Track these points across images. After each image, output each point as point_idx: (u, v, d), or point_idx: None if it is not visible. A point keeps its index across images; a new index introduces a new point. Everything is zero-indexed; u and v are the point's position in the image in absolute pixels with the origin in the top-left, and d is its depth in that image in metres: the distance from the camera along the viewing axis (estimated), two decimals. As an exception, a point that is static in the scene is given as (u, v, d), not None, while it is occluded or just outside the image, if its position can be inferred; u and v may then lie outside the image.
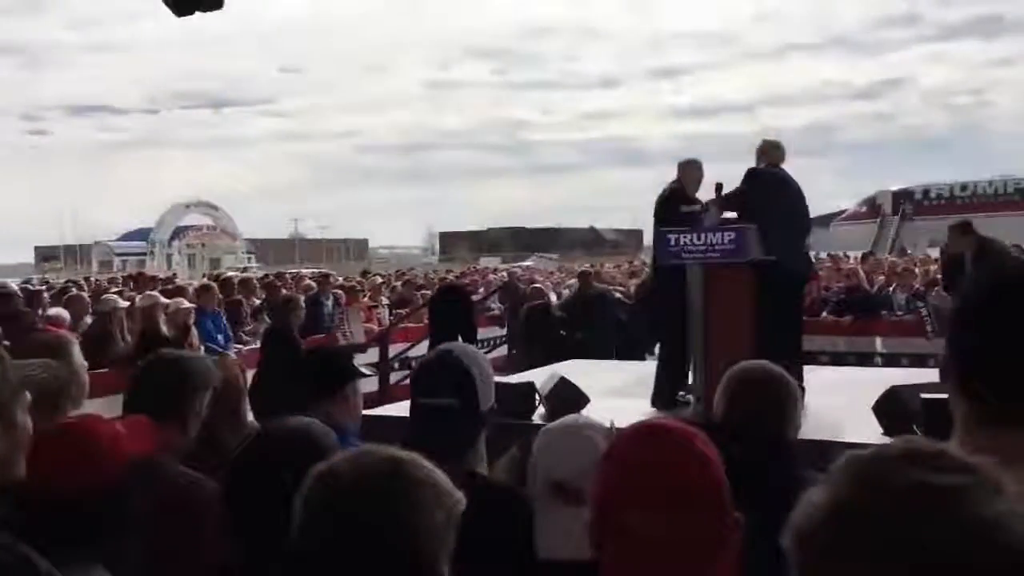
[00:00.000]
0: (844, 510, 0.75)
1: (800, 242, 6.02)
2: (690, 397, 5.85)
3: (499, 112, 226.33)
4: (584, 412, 3.04)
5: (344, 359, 2.99)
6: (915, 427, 4.29)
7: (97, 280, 18.44)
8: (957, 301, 1.17)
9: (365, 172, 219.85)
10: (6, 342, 4.01)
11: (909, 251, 31.17)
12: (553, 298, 11.61)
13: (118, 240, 63.39)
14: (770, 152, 5.99)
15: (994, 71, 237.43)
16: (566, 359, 8.15)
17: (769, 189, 5.73)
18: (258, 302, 10.94)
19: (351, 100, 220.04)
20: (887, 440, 0.85)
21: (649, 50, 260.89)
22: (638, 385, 6.25)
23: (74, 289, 11.04)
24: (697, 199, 6.04)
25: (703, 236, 5.50)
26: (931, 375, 5.67)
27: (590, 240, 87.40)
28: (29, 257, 75.11)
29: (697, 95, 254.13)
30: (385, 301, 12.86)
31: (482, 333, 9.77)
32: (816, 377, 6.14)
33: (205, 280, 12.96)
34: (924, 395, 4.37)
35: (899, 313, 10.83)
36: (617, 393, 6.28)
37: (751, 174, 5.85)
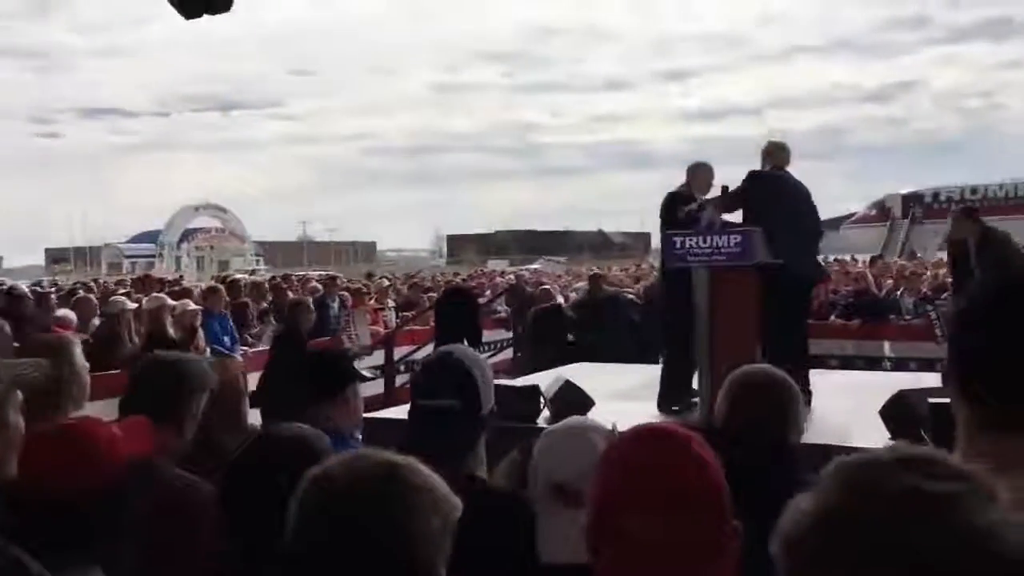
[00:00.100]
0: (833, 516, 0.74)
1: (809, 245, 5.97)
2: (696, 401, 5.82)
3: (507, 115, 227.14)
4: (589, 415, 3.02)
5: (344, 361, 2.99)
6: (922, 431, 4.25)
7: (105, 282, 18.53)
8: (960, 303, 1.16)
9: (373, 175, 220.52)
10: (16, 344, 4.03)
11: (919, 254, 31.12)
12: (561, 301, 11.58)
13: (127, 242, 63.83)
14: (775, 154, 5.95)
15: (1005, 73, 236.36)
16: (577, 361, 8.11)
17: (769, 191, 5.69)
18: (264, 305, 10.97)
19: (360, 103, 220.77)
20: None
21: (656, 53, 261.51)
22: (644, 388, 6.22)
23: (82, 291, 11.10)
24: (697, 199, 6.00)
25: (709, 239, 5.47)
26: (939, 379, 5.64)
27: (598, 243, 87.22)
28: (40, 259, 75.60)
29: (705, 98, 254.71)
30: (391, 303, 12.88)
31: (488, 336, 9.77)
32: (824, 381, 6.11)
33: (212, 282, 13.00)
34: (932, 399, 4.33)
35: (907, 317, 10.78)
36: (623, 396, 6.25)
37: (752, 176, 5.82)
